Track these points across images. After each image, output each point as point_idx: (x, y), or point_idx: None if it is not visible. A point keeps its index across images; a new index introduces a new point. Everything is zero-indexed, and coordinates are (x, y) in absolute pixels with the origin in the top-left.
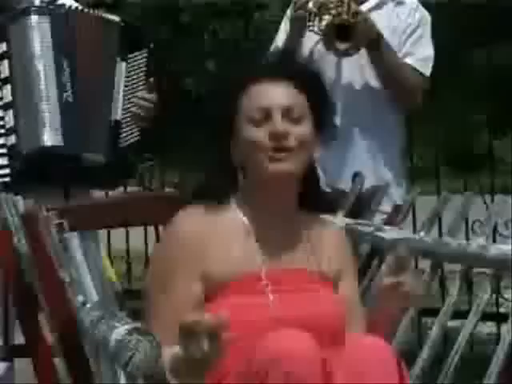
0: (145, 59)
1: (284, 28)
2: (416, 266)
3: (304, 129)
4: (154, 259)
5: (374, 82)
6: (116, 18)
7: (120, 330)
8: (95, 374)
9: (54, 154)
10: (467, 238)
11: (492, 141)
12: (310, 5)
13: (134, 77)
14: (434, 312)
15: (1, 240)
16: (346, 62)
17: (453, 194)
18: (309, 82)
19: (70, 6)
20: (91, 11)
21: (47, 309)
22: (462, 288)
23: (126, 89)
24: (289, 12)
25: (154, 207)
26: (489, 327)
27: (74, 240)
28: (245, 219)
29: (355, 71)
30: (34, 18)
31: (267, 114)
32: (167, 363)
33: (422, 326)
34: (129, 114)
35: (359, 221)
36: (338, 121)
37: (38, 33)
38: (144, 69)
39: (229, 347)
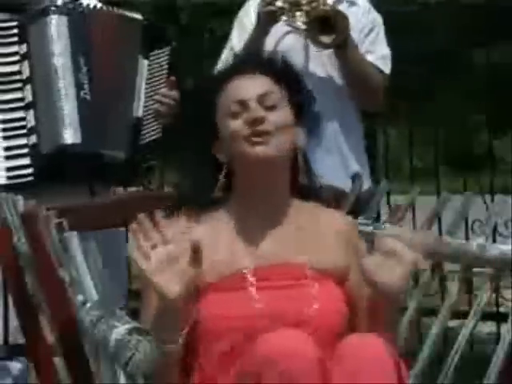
0: (166, 57)
1: (237, 32)
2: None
3: (280, 114)
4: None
5: (337, 79)
6: (139, 17)
7: (120, 329)
8: (95, 374)
9: (74, 152)
10: (467, 238)
11: (492, 140)
12: (279, 3)
13: (156, 74)
14: (433, 312)
15: (0, 239)
16: (310, 59)
17: (452, 194)
18: (283, 73)
19: (89, 5)
20: (112, 9)
21: (47, 308)
22: (462, 288)
23: (148, 86)
24: (241, 14)
25: (154, 207)
26: (489, 327)
27: (74, 239)
28: (233, 218)
29: (318, 67)
30: (53, 17)
31: (243, 105)
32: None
33: (422, 325)
34: (150, 111)
35: (358, 220)
36: None
37: (57, 33)
38: (166, 66)
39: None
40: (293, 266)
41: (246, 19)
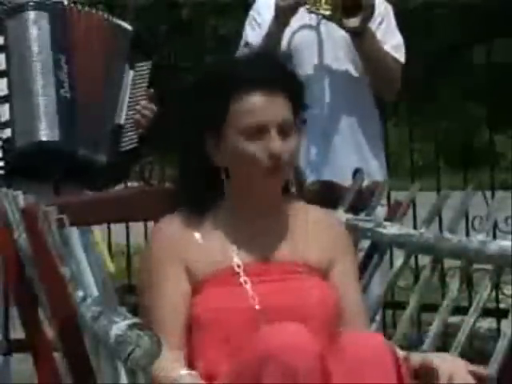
0: (148, 70)
1: (251, 28)
2: (416, 263)
3: (294, 142)
4: (143, 261)
5: (353, 71)
6: (128, 27)
7: (120, 325)
8: (95, 369)
9: (50, 149)
10: (467, 234)
11: (492, 137)
12: None
13: (138, 86)
14: (434, 308)
15: (1, 235)
16: (325, 52)
17: (453, 191)
18: (295, 91)
19: (67, 4)
20: (97, 12)
21: (47, 304)
22: (462, 284)
23: (131, 96)
24: (253, 12)
25: (154, 202)
26: (489, 323)
27: (74, 235)
28: (226, 217)
29: (334, 61)
30: (32, 13)
31: (263, 130)
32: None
33: (422, 322)
34: (131, 121)
35: (359, 217)
36: (323, 111)
37: (36, 28)
38: (147, 79)
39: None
40: (283, 262)
41: (258, 16)
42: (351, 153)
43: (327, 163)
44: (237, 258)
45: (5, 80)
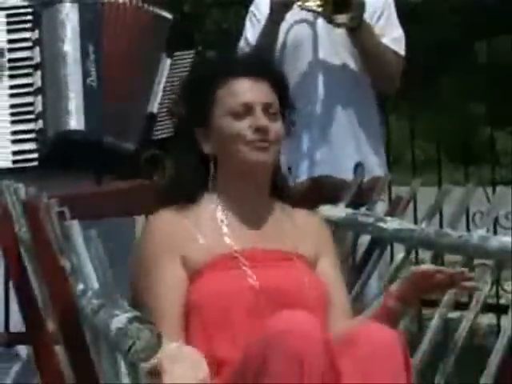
0: (190, 59)
1: (250, 25)
2: (416, 258)
3: (279, 124)
4: (138, 253)
5: (352, 64)
6: (168, 15)
7: (121, 318)
8: (96, 362)
9: (77, 138)
10: (468, 230)
11: (493, 133)
12: None
13: (177, 75)
14: (434, 303)
15: (2, 227)
16: (321, 46)
17: (454, 186)
18: (279, 82)
19: None
20: (135, 4)
21: (48, 297)
22: None
23: (167, 85)
24: (253, 8)
25: (154, 197)
26: (489, 319)
27: (76, 228)
28: (218, 207)
29: (331, 54)
30: (66, 5)
31: (248, 109)
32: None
33: (423, 317)
34: (165, 109)
35: (360, 211)
36: (319, 105)
37: (67, 19)
38: (187, 68)
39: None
40: (275, 250)
41: (258, 12)
42: (350, 148)
43: (326, 159)
44: (233, 244)
45: (39, 72)
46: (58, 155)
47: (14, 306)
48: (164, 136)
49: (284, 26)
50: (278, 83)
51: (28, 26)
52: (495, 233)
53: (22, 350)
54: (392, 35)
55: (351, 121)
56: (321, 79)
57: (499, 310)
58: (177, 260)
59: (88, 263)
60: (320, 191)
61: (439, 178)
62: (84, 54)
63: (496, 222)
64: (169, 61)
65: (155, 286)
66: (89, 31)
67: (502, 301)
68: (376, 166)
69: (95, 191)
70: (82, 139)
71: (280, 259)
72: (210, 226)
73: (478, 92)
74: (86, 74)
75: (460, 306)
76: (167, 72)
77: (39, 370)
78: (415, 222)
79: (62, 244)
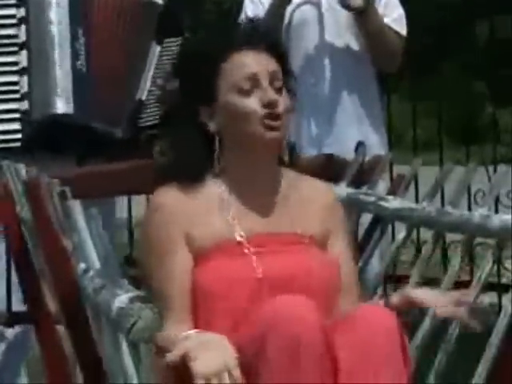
0: (178, 46)
1: (251, 6)
2: (418, 237)
3: (285, 97)
4: (143, 233)
5: (355, 45)
6: (159, 1)
7: (122, 297)
8: (97, 342)
9: (65, 122)
10: (469, 209)
11: (495, 112)
12: None
13: (166, 62)
14: (435, 282)
15: (3, 207)
16: (327, 28)
17: (455, 165)
18: (280, 52)
19: None
20: None
21: (50, 276)
22: (464, 258)
23: (156, 72)
24: None
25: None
26: (490, 297)
27: (77, 208)
28: (223, 189)
29: (335, 35)
30: None
31: (255, 81)
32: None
33: None
34: (154, 97)
35: (361, 190)
36: (324, 86)
37: (56, 0)
38: (175, 55)
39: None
40: (283, 233)
41: None
42: (352, 127)
43: (329, 137)
44: (238, 229)
45: (25, 52)
46: (42, 137)
47: (16, 286)
48: (150, 123)
49: (289, 6)
50: (279, 53)
51: (13, 1)
52: (496, 211)
53: (9, 330)
54: (393, 15)
55: (354, 102)
56: (327, 61)
57: (500, 288)
58: (184, 245)
59: (89, 243)
60: (332, 168)
61: (440, 158)
62: (73, 36)
63: (497, 200)
64: (158, 48)
65: (164, 270)
66: (78, 13)
67: (504, 279)
68: (377, 145)
69: (95, 171)
70: (70, 123)
71: (287, 243)
72: (215, 208)
73: (480, 71)
74: (74, 57)
75: (461, 285)
76: (156, 59)
77: (41, 349)
78: (416, 201)
79: (63, 223)
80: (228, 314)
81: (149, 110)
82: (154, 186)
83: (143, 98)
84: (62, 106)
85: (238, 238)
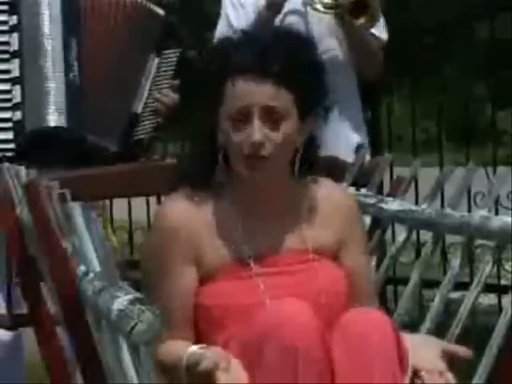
0: (176, 58)
1: (233, 7)
2: (418, 238)
3: (283, 133)
4: (148, 247)
5: (336, 52)
6: (160, 12)
7: (122, 299)
8: (97, 344)
9: (57, 135)
10: (469, 210)
11: (494, 113)
12: None
13: (163, 74)
14: (435, 284)
15: (3, 210)
16: (311, 31)
17: (455, 167)
18: (299, 77)
19: None
20: None
21: (49, 278)
22: (464, 260)
23: (153, 84)
24: None
25: (155, 177)
26: (490, 299)
27: (76, 210)
28: (232, 206)
29: (318, 42)
30: None
31: (246, 116)
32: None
33: (424, 297)
34: (149, 110)
35: (361, 192)
36: None
37: (49, 9)
38: (173, 67)
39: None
40: (292, 252)
41: None
42: (333, 130)
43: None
44: (247, 248)
45: (17, 61)
46: (35, 148)
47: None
48: (143, 136)
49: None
50: (292, 80)
51: (5, 8)
52: (496, 213)
53: (4, 334)
54: None
55: (339, 109)
56: None
57: (500, 290)
58: (190, 262)
59: (89, 245)
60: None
61: (440, 159)
62: (66, 48)
63: (497, 202)
64: (157, 60)
65: (167, 291)
66: (72, 24)
67: (503, 281)
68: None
69: (94, 173)
70: (63, 136)
71: (297, 262)
72: (224, 227)
73: (480, 72)
74: (68, 68)
75: (461, 286)
76: (154, 71)
77: (41, 351)
78: (416, 203)
79: (63, 226)
80: (223, 333)
81: (142, 124)
82: (158, 188)
83: (139, 111)
84: (55, 118)
85: (246, 259)
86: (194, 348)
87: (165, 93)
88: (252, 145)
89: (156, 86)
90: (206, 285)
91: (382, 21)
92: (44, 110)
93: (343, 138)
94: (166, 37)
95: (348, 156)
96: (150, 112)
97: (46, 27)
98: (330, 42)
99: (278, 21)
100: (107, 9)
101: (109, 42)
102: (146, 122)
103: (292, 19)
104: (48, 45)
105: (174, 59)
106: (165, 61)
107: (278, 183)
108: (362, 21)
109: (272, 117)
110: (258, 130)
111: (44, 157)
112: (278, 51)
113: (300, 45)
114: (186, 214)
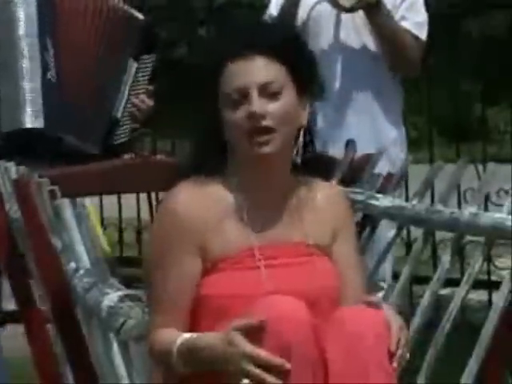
0: (152, 63)
1: None
2: (408, 235)
3: (283, 103)
4: (152, 237)
5: (372, 44)
6: (140, 16)
7: (112, 296)
8: (87, 341)
9: (34, 136)
10: (459, 207)
11: (485, 110)
12: None
13: (140, 79)
14: (425, 280)
15: None
16: (343, 25)
17: (445, 163)
18: (288, 49)
19: None
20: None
21: (39, 275)
22: (454, 256)
23: (132, 89)
24: None
25: (145, 174)
26: (480, 295)
27: (66, 206)
28: (237, 195)
29: (352, 33)
30: None
31: (244, 94)
32: (177, 348)
33: (414, 294)
34: (127, 114)
35: (352, 189)
36: (336, 84)
37: (23, 10)
38: (149, 73)
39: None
40: (294, 244)
41: None
42: (365, 126)
43: (340, 136)
44: (253, 238)
45: None
46: (11, 149)
47: (6, 285)
48: (120, 141)
49: (306, 3)
50: (286, 51)
51: None
52: (486, 210)
53: None
54: (414, 19)
55: (367, 98)
56: (339, 58)
57: (490, 286)
58: (194, 253)
59: (79, 241)
60: (320, 167)
61: (430, 156)
62: (42, 48)
63: (487, 198)
64: (135, 64)
65: (167, 280)
66: (48, 25)
67: (493, 277)
68: (393, 144)
69: (84, 169)
70: (41, 137)
71: (299, 254)
72: (228, 217)
73: (470, 69)
74: (45, 69)
75: (451, 282)
76: (132, 76)
77: (31, 348)
78: (406, 200)
79: (52, 222)
80: (225, 324)
81: (122, 128)
82: (149, 185)
83: (119, 115)
84: (31, 120)
85: (252, 249)
86: (186, 336)
87: (141, 99)
88: (252, 115)
89: (133, 91)
90: (210, 275)
91: (424, 20)
92: (20, 112)
93: (378, 132)
94: (144, 41)
95: (382, 150)
96: (128, 116)
97: (22, 29)
98: (366, 35)
99: (308, 8)
100: (84, 11)
101: (86, 43)
102: (124, 127)
103: (322, 6)
104: (24, 46)
105: (151, 64)
106: (143, 66)
107: (283, 167)
108: (349, 2)
109: (269, 91)
110: (255, 101)
111: (26, 155)
112: (264, 32)
113: (287, 27)
114: (190, 205)
